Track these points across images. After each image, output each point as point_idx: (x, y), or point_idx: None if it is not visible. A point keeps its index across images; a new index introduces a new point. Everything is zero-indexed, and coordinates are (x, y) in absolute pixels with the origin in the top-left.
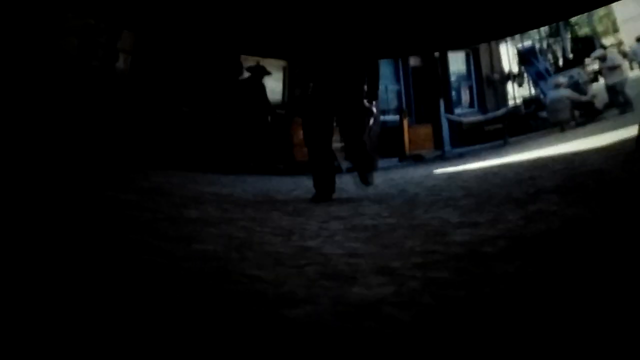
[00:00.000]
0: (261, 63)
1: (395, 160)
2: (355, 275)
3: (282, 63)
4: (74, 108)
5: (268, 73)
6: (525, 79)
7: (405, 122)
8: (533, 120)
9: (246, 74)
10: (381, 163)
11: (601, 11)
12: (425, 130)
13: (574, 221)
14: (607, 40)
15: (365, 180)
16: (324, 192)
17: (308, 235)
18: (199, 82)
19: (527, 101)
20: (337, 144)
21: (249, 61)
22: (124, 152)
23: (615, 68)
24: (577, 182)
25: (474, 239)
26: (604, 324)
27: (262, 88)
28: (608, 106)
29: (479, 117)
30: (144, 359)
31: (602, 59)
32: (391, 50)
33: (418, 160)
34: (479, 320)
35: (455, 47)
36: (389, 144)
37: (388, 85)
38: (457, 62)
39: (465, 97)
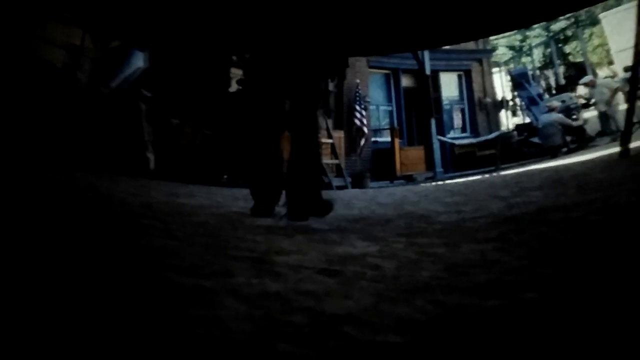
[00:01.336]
0: None
1: (386, 182)
2: (342, 241)
3: None
4: (58, 119)
5: None
6: (518, 107)
7: (397, 143)
8: (525, 147)
9: (235, 87)
10: (371, 185)
11: (595, 41)
12: (417, 152)
13: (550, 206)
14: (602, 72)
15: (299, 215)
16: (265, 203)
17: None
18: (188, 94)
19: (519, 127)
20: (328, 161)
21: (238, 75)
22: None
23: (606, 94)
24: (559, 182)
25: (457, 219)
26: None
27: None
28: (600, 134)
29: (471, 140)
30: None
31: (592, 85)
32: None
33: (409, 181)
34: (458, 267)
35: (434, 46)
36: (380, 165)
37: (380, 105)
38: (449, 84)
39: (457, 120)
